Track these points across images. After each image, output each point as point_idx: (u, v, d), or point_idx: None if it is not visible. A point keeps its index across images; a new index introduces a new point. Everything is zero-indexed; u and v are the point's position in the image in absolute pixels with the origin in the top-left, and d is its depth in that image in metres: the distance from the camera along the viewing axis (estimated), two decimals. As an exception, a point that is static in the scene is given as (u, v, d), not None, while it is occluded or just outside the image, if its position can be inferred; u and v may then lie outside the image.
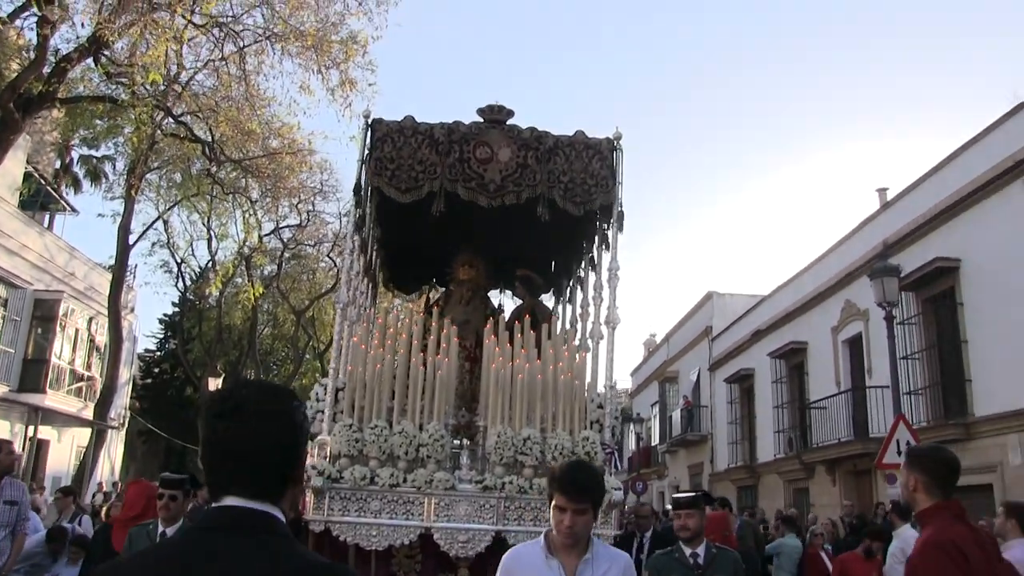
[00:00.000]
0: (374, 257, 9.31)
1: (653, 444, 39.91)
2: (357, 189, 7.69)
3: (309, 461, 6.85)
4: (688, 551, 5.63)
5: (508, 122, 7.74)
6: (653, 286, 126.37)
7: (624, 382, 53.18)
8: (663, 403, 38.46)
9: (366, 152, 7.62)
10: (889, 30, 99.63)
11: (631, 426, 44.04)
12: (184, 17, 16.81)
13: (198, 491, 7.79)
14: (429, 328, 7.62)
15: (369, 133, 7.64)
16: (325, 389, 7.36)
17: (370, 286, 9.41)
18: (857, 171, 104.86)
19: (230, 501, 1.92)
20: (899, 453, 11.92)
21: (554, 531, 3.90)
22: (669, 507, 8.49)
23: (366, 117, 7.73)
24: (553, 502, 3.88)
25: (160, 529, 6.34)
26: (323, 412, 7.24)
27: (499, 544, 6.57)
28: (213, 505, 1.95)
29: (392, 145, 7.54)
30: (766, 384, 26.99)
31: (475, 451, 7.20)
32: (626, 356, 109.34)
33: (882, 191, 23.17)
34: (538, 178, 7.51)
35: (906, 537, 8.05)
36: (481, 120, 7.72)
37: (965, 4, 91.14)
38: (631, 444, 43.67)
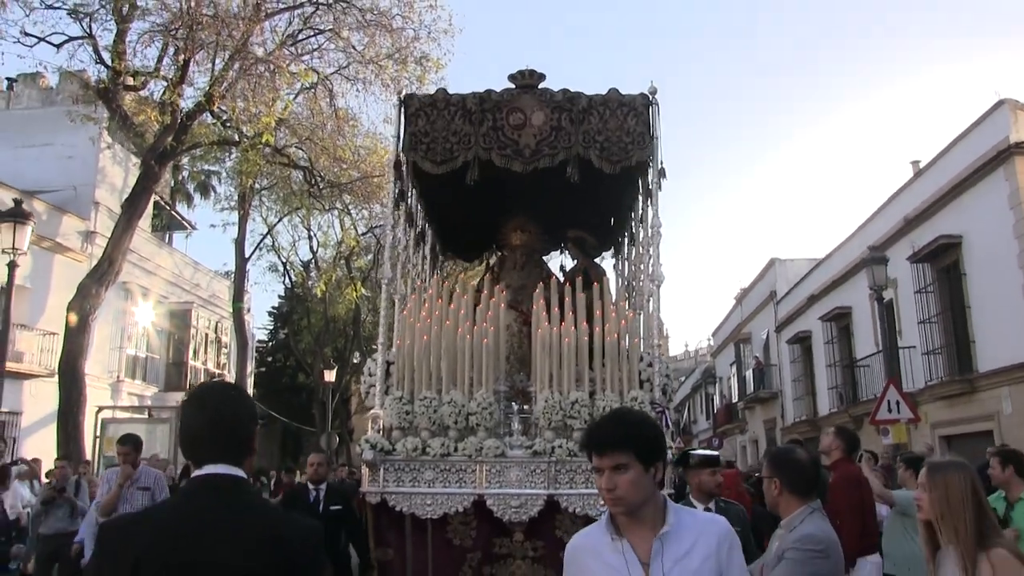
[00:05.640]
0: (426, 229, 8.28)
1: (734, 401, 38.37)
2: (397, 165, 6.72)
3: (363, 436, 6.12)
4: (701, 507, 5.04)
5: (540, 86, 6.72)
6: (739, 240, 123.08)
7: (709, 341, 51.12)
8: (739, 362, 37.05)
9: (401, 128, 6.64)
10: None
11: (713, 385, 42.86)
12: (287, 78, 17.23)
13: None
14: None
15: (403, 109, 6.64)
16: (376, 364, 6.43)
17: (427, 258, 8.38)
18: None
19: (209, 469, 2.17)
20: (889, 411, 12.75)
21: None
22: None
23: (398, 93, 6.76)
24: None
25: None
26: (375, 387, 6.37)
27: (551, 507, 5.73)
28: (195, 473, 2.20)
29: (426, 119, 6.57)
30: (820, 345, 26.19)
31: (527, 416, 6.20)
32: (717, 312, 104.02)
33: (915, 163, 21.85)
34: (572, 140, 6.46)
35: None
36: (513, 86, 6.70)
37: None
38: (716, 402, 42.46)
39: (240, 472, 2.20)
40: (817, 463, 3.95)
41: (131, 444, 7.58)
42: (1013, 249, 15.62)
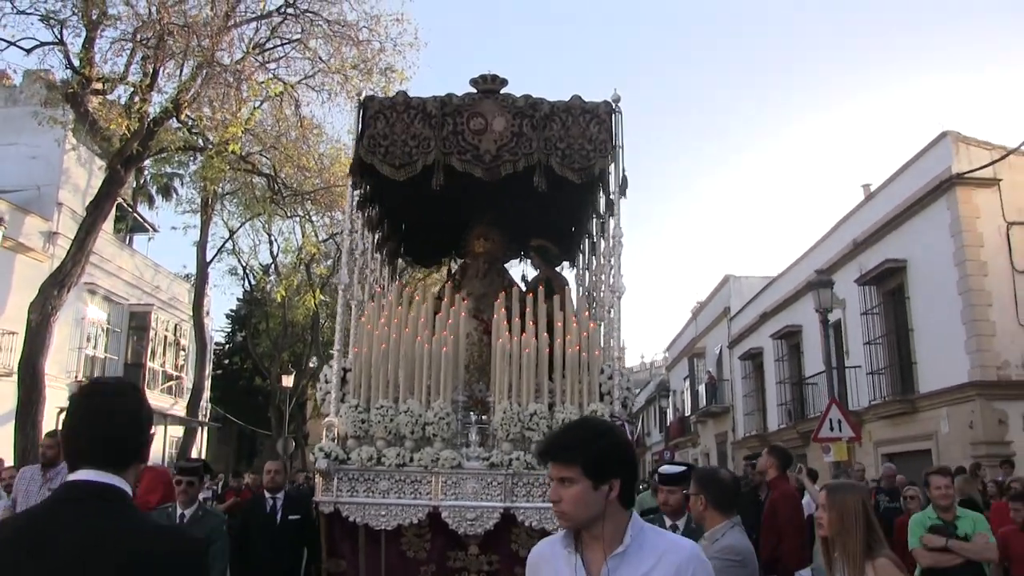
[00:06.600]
0: (385, 234, 7.98)
1: (687, 414, 38.30)
2: (354, 169, 6.44)
3: (318, 444, 5.81)
4: (669, 522, 4.85)
5: (502, 91, 6.46)
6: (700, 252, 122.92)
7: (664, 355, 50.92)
8: (692, 376, 37.03)
9: (360, 130, 6.36)
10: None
11: (667, 398, 42.67)
12: (253, 88, 16.90)
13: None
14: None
15: (362, 111, 6.36)
16: (332, 371, 6.16)
17: (386, 263, 8.09)
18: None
19: (81, 474, 1.94)
20: (831, 430, 12.82)
21: None
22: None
23: (358, 95, 6.48)
24: None
25: (179, 511, 5.83)
26: (331, 394, 6.11)
27: (507, 521, 5.49)
28: (69, 478, 1.96)
29: (385, 122, 6.30)
30: (771, 362, 26.21)
31: (485, 427, 5.96)
32: (673, 326, 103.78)
33: (866, 186, 21.96)
34: (534, 146, 6.22)
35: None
36: (474, 91, 6.44)
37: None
38: (669, 414, 42.28)
39: (118, 481, 1.93)
40: (738, 482, 4.40)
41: (55, 439, 7.09)
42: (953, 275, 15.82)
